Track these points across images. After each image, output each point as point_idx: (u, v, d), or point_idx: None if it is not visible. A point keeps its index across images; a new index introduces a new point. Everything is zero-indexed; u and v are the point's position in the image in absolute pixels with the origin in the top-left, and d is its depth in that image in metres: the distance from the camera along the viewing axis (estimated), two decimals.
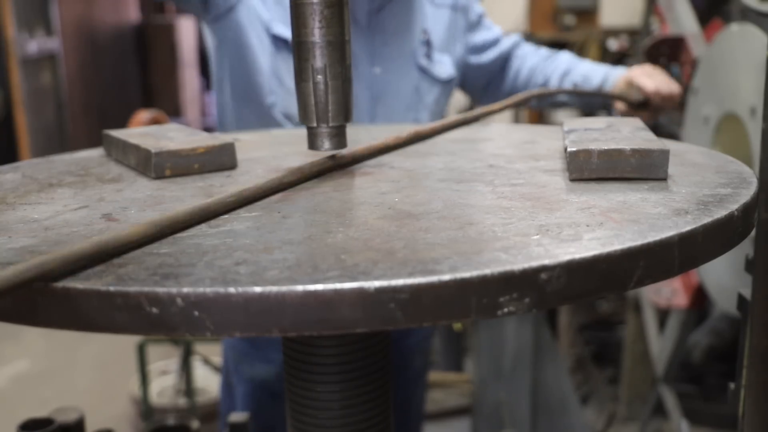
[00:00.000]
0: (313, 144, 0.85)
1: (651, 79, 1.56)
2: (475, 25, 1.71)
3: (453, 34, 1.65)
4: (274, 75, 1.48)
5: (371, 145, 0.93)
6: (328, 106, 0.82)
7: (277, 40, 1.48)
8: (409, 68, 1.56)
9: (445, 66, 1.62)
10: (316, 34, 0.79)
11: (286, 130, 1.33)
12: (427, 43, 1.58)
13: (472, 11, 1.70)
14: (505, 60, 1.75)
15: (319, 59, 0.80)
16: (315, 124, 0.83)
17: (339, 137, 0.84)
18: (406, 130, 1.02)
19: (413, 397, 1.76)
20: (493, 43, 1.73)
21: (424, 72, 1.58)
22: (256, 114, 1.51)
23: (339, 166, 0.88)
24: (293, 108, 1.47)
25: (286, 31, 1.47)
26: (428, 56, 1.59)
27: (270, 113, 1.49)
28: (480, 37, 1.71)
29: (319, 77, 0.81)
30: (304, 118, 0.83)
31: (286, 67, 1.48)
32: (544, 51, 1.77)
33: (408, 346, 1.70)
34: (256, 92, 1.50)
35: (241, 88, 1.53)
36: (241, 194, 0.72)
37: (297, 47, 0.81)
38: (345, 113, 0.83)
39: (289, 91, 1.48)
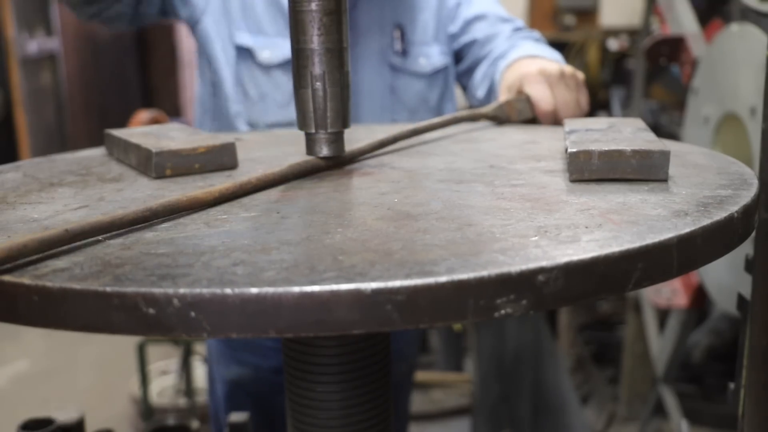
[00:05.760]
0: (311, 150, 0.86)
1: (549, 91, 1.18)
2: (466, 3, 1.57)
3: (446, 15, 1.56)
4: (238, 84, 1.50)
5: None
6: (327, 113, 0.82)
7: (241, 50, 1.49)
8: (381, 67, 1.51)
9: (431, 58, 1.53)
10: (315, 41, 0.80)
11: (288, 130, 1.32)
12: (402, 39, 1.52)
13: None
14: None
15: (317, 66, 0.81)
16: (313, 131, 0.84)
17: (337, 143, 0.85)
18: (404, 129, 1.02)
19: (397, 403, 1.75)
20: (490, 39, 1.56)
21: (398, 70, 1.52)
22: (222, 123, 1.52)
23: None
24: (257, 116, 1.48)
25: (249, 40, 1.48)
26: (403, 53, 1.52)
27: (234, 123, 1.49)
28: (481, 31, 1.55)
29: (318, 84, 0.81)
30: (302, 124, 0.84)
31: (250, 77, 1.48)
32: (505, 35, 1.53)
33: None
34: (222, 102, 1.52)
35: (209, 97, 1.55)
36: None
37: (296, 54, 0.82)
38: (343, 120, 0.84)
39: (252, 100, 1.49)
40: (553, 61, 1.30)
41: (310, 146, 0.85)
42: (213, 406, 1.75)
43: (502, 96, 1.28)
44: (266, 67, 1.48)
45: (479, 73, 1.50)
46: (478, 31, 1.55)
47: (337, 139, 0.85)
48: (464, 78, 1.60)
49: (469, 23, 1.56)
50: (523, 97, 1.20)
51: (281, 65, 1.47)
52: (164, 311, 0.50)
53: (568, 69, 1.24)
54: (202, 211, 0.71)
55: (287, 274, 0.52)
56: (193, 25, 1.52)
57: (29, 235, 0.56)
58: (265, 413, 1.61)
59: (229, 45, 1.49)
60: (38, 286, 0.52)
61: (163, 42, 7.08)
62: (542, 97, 1.18)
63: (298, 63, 0.82)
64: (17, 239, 0.55)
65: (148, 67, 7.21)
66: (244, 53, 1.49)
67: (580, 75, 1.26)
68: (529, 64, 1.27)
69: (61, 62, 5.70)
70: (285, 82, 1.47)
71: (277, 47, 1.47)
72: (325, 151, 0.85)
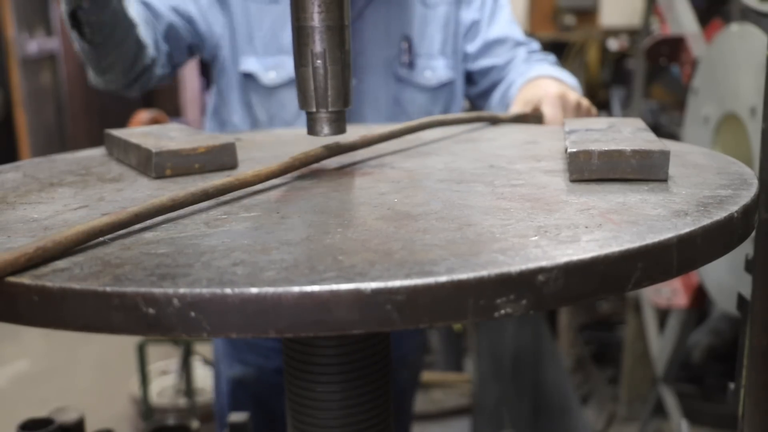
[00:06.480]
0: (312, 129, 0.84)
1: (562, 116, 1.25)
2: (485, 22, 1.58)
3: (454, 31, 1.56)
4: (248, 111, 1.54)
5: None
6: (328, 91, 0.81)
7: (246, 76, 1.52)
8: (386, 78, 1.51)
9: (436, 71, 1.54)
10: (316, 18, 0.79)
11: (288, 130, 1.33)
12: (409, 51, 1.52)
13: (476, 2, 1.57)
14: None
15: (318, 44, 0.80)
16: (314, 109, 0.83)
17: (338, 122, 0.84)
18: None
19: (398, 412, 1.75)
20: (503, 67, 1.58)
21: (404, 82, 1.52)
22: None
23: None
24: None
25: (255, 64, 1.51)
26: (410, 65, 1.52)
27: None
28: (495, 58, 1.57)
29: (319, 62, 0.80)
30: (303, 103, 0.83)
31: (258, 101, 1.52)
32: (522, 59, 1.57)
33: (394, 359, 1.66)
34: (233, 129, 1.56)
35: (220, 126, 1.60)
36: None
37: (296, 32, 0.81)
38: (344, 98, 0.83)
39: (262, 124, 1.53)
40: (574, 89, 1.35)
41: (311, 125, 0.84)
42: (218, 405, 1.76)
43: (516, 107, 1.30)
44: (271, 89, 1.51)
45: (496, 96, 1.53)
46: (498, 56, 1.57)
47: (339, 119, 0.84)
48: (479, 100, 1.62)
49: (489, 46, 1.58)
50: (539, 114, 1.25)
51: (286, 84, 1.50)
52: (164, 311, 0.50)
53: (585, 102, 1.30)
54: (203, 211, 0.71)
55: (287, 274, 0.52)
56: (213, 61, 1.56)
57: (73, 229, 0.56)
58: (267, 413, 1.62)
59: (236, 75, 1.53)
60: (38, 286, 0.52)
61: None
62: (555, 120, 1.24)
63: (298, 41, 0.81)
64: (64, 233, 0.55)
65: None
66: (250, 79, 1.52)
67: (594, 110, 1.32)
68: (551, 85, 1.32)
69: (61, 62, 5.70)
70: (290, 101, 1.50)
71: (282, 66, 1.50)
72: (326, 130, 0.83)
